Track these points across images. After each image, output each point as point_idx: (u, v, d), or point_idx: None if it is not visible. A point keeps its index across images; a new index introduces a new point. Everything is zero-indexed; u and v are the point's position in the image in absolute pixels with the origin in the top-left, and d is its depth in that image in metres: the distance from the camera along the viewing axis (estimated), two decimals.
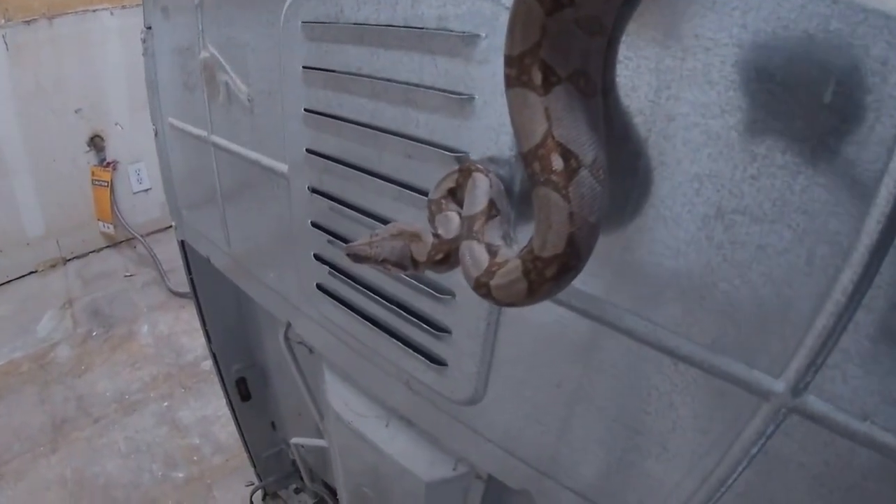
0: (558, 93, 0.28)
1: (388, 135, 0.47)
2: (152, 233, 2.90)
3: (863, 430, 0.31)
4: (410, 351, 0.57)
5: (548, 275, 0.29)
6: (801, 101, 0.26)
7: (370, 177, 0.50)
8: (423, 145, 0.44)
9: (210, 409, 1.96)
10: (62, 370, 2.32)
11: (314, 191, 0.59)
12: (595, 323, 0.40)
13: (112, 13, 2.90)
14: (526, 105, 0.29)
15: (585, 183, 0.28)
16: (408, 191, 0.47)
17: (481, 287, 0.33)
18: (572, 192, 0.28)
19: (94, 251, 2.98)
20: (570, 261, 0.29)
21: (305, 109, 0.55)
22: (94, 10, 2.86)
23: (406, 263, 0.40)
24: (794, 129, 0.27)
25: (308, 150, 0.57)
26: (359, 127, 0.49)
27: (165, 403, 2.04)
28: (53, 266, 2.94)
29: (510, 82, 0.29)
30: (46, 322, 2.61)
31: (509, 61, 0.29)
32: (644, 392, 0.40)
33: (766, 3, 0.26)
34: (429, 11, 0.40)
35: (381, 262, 0.41)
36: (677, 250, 0.34)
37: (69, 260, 2.95)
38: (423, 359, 0.56)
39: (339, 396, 0.84)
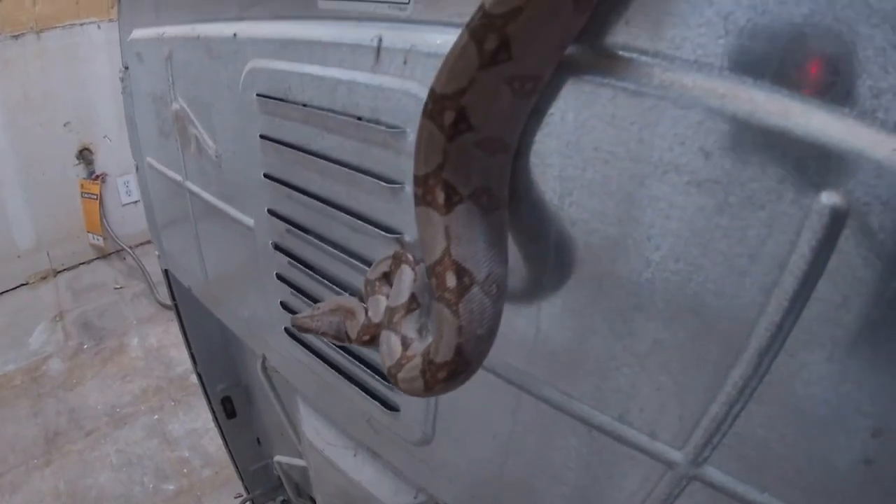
0: (459, 212, 0.33)
1: (336, 209, 0.51)
2: (141, 244, 2.92)
3: (762, 500, 0.34)
4: (368, 396, 0.62)
5: (439, 377, 0.33)
6: None
7: (323, 242, 0.55)
8: (364, 223, 0.48)
9: (199, 422, 2.00)
10: (54, 383, 2.36)
11: (276, 247, 0.63)
12: (518, 390, 0.45)
13: (99, 27, 2.92)
14: (429, 223, 0.33)
15: (476, 299, 0.32)
16: (354, 259, 0.52)
17: (391, 377, 0.37)
18: (462, 308, 0.32)
19: (84, 263, 3.01)
20: (458, 367, 0.33)
21: (265, 174, 0.59)
22: (81, 24, 2.88)
23: (342, 337, 0.45)
24: None
25: (269, 211, 0.61)
26: (310, 198, 0.54)
27: (156, 416, 2.09)
28: (44, 278, 2.97)
29: (417, 201, 0.34)
30: (38, 335, 2.64)
31: (416, 181, 0.33)
32: (564, 451, 0.44)
33: (662, 121, 0.30)
34: (363, 102, 0.44)
35: (321, 334, 0.46)
36: (584, 337, 0.38)
37: (59, 272, 2.98)
38: (378, 403, 0.61)
39: (312, 426, 0.89)
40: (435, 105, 0.30)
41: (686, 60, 0.28)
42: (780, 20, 0.25)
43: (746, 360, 0.31)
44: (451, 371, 0.33)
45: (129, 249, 2.88)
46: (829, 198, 0.26)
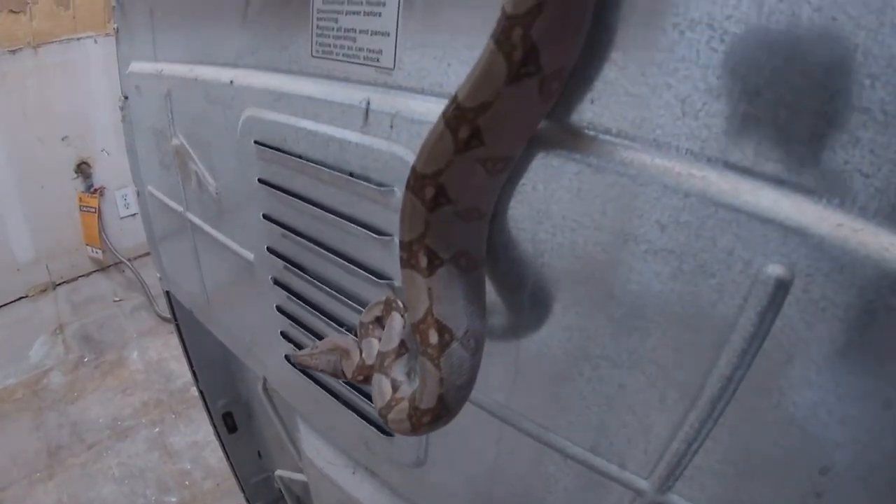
0: (440, 274, 0.36)
1: (330, 252, 0.54)
2: (140, 256, 2.95)
3: None
4: (365, 421, 0.65)
5: (424, 421, 0.37)
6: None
7: (319, 282, 0.58)
8: (356, 267, 0.51)
9: (200, 435, 2.02)
10: (55, 396, 2.38)
11: (276, 282, 0.66)
12: (501, 422, 0.48)
13: (96, 41, 2.95)
14: (413, 285, 0.36)
15: (455, 354, 0.35)
16: (349, 299, 0.55)
17: (382, 417, 0.41)
18: (443, 362, 0.35)
19: (83, 275, 3.03)
20: (440, 414, 0.36)
21: (263, 215, 0.62)
22: (78, 39, 2.91)
23: (339, 374, 0.48)
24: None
25: (268, 248, 0.64)
26: (307, 240, 0.57)
27: (157, 429, 2.11)
28: (44, 291, 2.99)
29: (402, 263, 0.37)
30: (38, 348, 2.66)
31: (401, 245, 0.36)
32: (544, 477, 0.48)
33: (623, 196, 0.33)
34: (354, 159, 0.47)
35: (319, 371, 0.49)
36: (557, 378, 0.41)
37: (59, 284, 3.00)
38: (374, 429, 0.64)
39: (312, 444, 0.92)
40: (416, 182, 0.33)
41: (646, 140, 0.31)
42: (734, 106, 0.28)
43: (701, 406, 0.35)
44: (434, 416, 0.36)
45: (127, 262, 2.90)
46: (774, 269, 0.29)
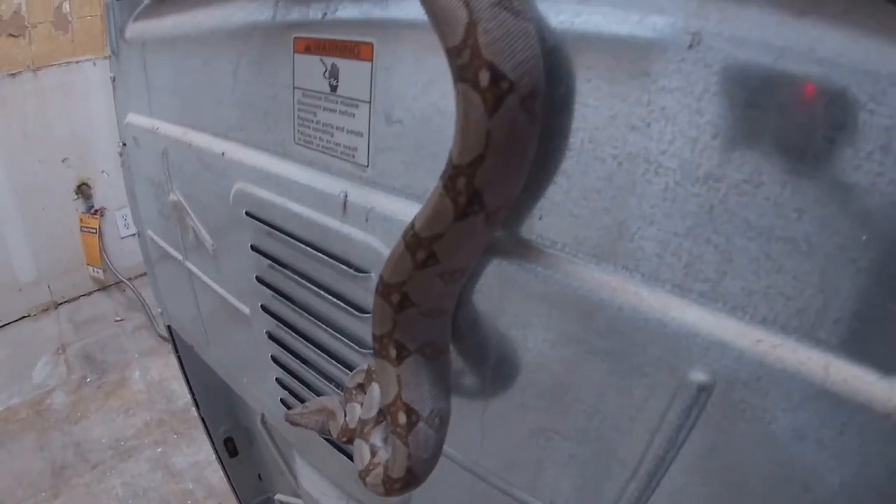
0: (408, 363, 0.40)
1: (318, 319, 0.58)
2: (140, 276, 2.99)
3: None
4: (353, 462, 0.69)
5: (396, 487, 0.41)
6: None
7: (309, 342, 0.62)
8: (341, 336, 0.55)
9: (202, 455, 2.06)
10: (59, 416, 2.42)
11: (270, 336, 0.70)
12: (469, 472, 0.52)
13: (95, 63, 3.00)
14: (385, 372, 0.41)
15: (421, 432, 0.40)
16: (337, 361, 0.59)
17: (361, 479, 0.45)
18: (411, 440, 0.39)
19: (84, 295, 3.07)
20: (409, 482, 0.41)
21: (256, 277, 0.66)
22: (77, 62, 2.96)
23: (326, 433, 0.52)
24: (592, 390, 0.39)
25: (262, 307, 0.68)
26: (296, 305, 0.61)
27: (159, 449, 2.15)
28: (45, 310, 3.03)
29: (375, 353, 0.41)
30: (41, 368, 2.70)
31: (374, 338, 0.41)
32: None
33: (566, 304, 0.37)
34: (335, 244, 0.51)
35: (309, 429, 0.54)
36: (517, 445, 0.46)
37: (60, 304, 3.04)
38: None
39: (308, 477, 0.96)
40: (384, 288, 0.38)
41: (587, 255, 0.36)
42: (666, 228, 0.32)
43: (638, 479, 0.39)
44: (404, 484, 0.41)
45: (127, 282, 2.95)
46: (697, 375, 0.33)
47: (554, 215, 0.36)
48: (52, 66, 2.92)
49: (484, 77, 0.28)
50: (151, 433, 2.22)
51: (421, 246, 0.34)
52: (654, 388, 0.35)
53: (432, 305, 0.39)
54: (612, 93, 0.31)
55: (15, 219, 2.89)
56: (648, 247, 0.33)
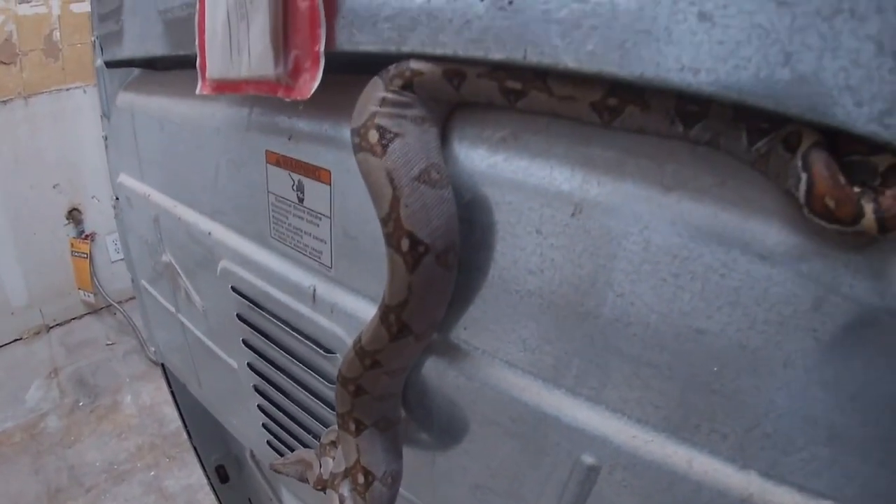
0: (365, 434, 0.49)
1: (298, 386, 0.67)
2: (130, 299, 3.05)
3: None
4: None
5: None
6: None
7: (291, 401, 0.71)
8: (317, 399, 0.64)
9: (194, 478, 2.13)
10: (53, 440, 2.47)
11: (256, 389, 0.79)
12: None
13: (85, 91, 3.06)
14: (346, 442, 0.50)
15: (377, 490, 0.49)
16: (315, 419, 0.68)
17: None
18: (368, 496, 0.48)
19: (75, 318, 3.12)
20: None
21: (242, 341, 0.75)
22: (67, 89, 3.02)
23: (305, 481, 0.61)
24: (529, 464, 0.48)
25: (248, 364, 0.77)
26: (277, 368, 0.70)
27: (152, 473, 2.21)
28: (37, 333, 3.08)
29: (339, 426, 0.50)
30: (34, 391, 2.75)
31: (337, 415, 0.50)
32: None
33: (486, 398, 0.46)
34: (307, 327, 0.60)
35: (290, 476, 0.63)
36: (460, 495, 0.55)
37: (52, 327, 3.09)
38: None
39: None
40: (342, 380, 0.47)
41: (500, 360, 0.45)
42: (559, 348, 0.41)
43: None
44: None
45: (117, 306, 3.00)
46: (587, 458, 0.42)
47: (475, 328, 0.45)
48: (43, 93, 2.98)
49: (405, 244, 0.37)
50: (144, 457, 2.28)
51: (367, 355, 0.43)
52: (556, 465, 0.44)
53: (382, 392, 0.48)
54: (514, 244, 0.40)
55: (7, 243, 2.94)
56: (546, 359, 0.42)
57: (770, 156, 0.32)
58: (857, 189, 0.30)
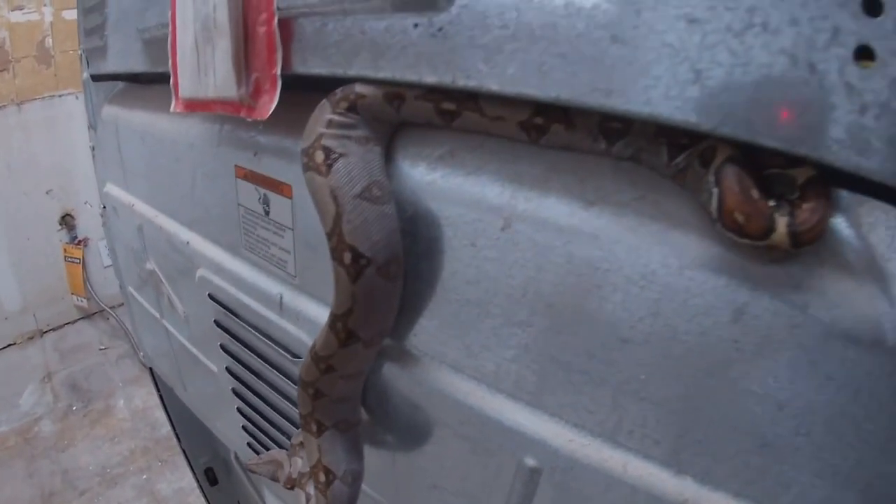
0: (326, 435, 0.52)
1: (271, 389, 0.70)
2: (123, 304, 3.07)
3: None
4: None
5: None
6: None
7: (266, 403, 0.73)
8: (287, 401, 0.67)
9: (185, 481, 2.15)
10: (47, 444, 2.49)
11: (235, 392, 0.81)
12: None
13: (77, 97, 3.08)
14: (309, 442, 0.52)
15: (337, 488, 0.51)
16: (287, 419, 0.71)
17: None
18: (329, 494, 0.51)
19: (69, 323, 3.14)
20: None
21: (220, 345, 0.77)
22: (59, 96, 3.05)
23: (276, 480, 0.64)
24: None
25: (227, 369, 0.79)
26: (253, 372, 0.72)
27: (144, 476, 2.23)
28: (31, 338, 3.10)
29: (302, 427, 0.53)
30: (28, 396, 2.77)
31: (300, 416, 0.52)
32: None
33: (435, 403, 0.49)
34: (276, 332, 0.63)
35: (262, 476, 0.66)
36: (421, 496, 0.57)
37: (45, 332, 3.11)
38: None
39: None
40: (302, 384, 0.50)
41: (448, 365, 0.47)
42: (498, 354, 0.43)
43: None
44: None
45: (110, 310, 3.02)
46: (529, 461, 0.44)
47: (423, 335, 0.48)
48: (36, 99, 3.01)
49: (347, 257, 0.40)
50: (136, 461, 2.30)
51: (321, 360, 0.46)
52: (501, 466, 0.47)
53: (340, 395, 0.50)
54: (452, 256, 0.43)
55: (1, 249, 2.97)
56: (487, 365, 0.45)
57: (688, 171, 0.33)
58: (772, 203, 0.31)
